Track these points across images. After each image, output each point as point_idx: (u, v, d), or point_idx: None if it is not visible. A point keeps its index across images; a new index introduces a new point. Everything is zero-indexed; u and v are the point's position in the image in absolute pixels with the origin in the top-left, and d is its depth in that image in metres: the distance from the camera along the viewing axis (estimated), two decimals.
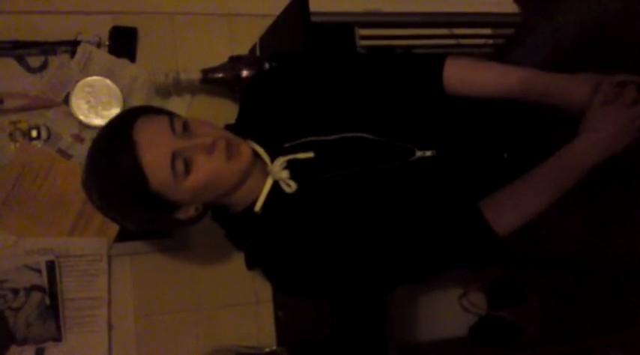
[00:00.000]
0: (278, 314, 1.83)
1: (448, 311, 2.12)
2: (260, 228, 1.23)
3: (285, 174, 1.21)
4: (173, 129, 1.10)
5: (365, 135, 1.24)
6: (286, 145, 1.25)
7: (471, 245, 1.16)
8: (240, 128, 1.29)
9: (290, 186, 1.21)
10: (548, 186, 1.14)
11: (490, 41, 1.96)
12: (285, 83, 1.35)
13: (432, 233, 1.16)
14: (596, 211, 1.28)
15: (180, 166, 1.09)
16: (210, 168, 1.12)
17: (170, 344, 1.76)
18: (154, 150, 1.08)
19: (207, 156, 1.11)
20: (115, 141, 1.09)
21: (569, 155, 1.14)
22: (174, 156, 1.08)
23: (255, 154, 1.22)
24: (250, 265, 1.82)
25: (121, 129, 1.10)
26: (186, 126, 1.12)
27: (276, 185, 1.22)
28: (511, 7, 2.10)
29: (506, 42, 1.50)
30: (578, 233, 1.30)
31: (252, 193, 1.22)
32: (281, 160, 1.22)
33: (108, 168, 1.09)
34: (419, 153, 1.24)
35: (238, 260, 1.82)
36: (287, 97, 1.31)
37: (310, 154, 1.22)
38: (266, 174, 1.23)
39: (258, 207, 1.21)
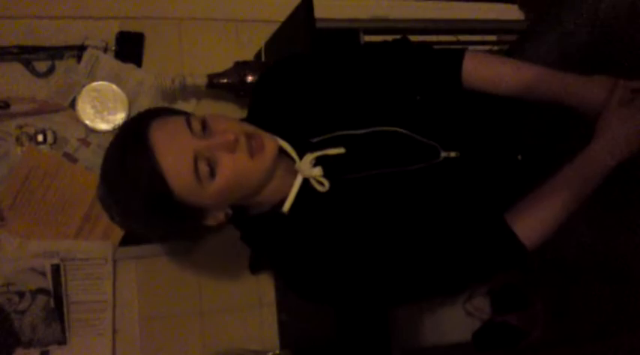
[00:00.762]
0: (282, 317, 1.83)
1: (452, 315, 2.12)
2: (285, 229, 1.16)
3: (318, 171, 1.14)
4: (191, 129, 1.02)
5: (396, 129, 1.19)
6: (314, 140, 1.18)
7: (499, 258, 1.14)
8: (255, 122, 1.17)
9: (323, 185, 1.14)
10: (572, 195, 1.13)
11: (495, 48, 1.97)
12: (305, 74, 1.28)
13: (459, 243, 1.13)
14: (601, 211, 1.27)
15: (203, 168, 1.01)
16: (236, 168, 1.04)
17: (174, 347, 1.77)
18: (174, 153, 1.00)
19: (231, 155, 1.04)
20: (130, 150, 1.01)
21: (588, 161, 1.13)
22: (196, 158, 1.01)
23: (280, 150, 1.14)
24: (254, 269, 1.82)
25: (135, 135, 1.02)
26: (204, 125, 1.04)
27: (304, 183, 1.15)
28: (517, 14, 2.10)
29: (511, 48, 1.49)
30: (581, 232, 1.28)
31: (278, 192, 1.14)
32: (310, 157, 1.15)
33: (126, 181, 1.01)
34: (444, 154, 1.21)
35: (242, 263, 1.82)
36: (309, 89, 1.25)
37: (341, 150, 1.16)
38: (293, 171, 1.16)
39: (286, 207, 1.13)
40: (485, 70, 1.25)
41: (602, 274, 1.64)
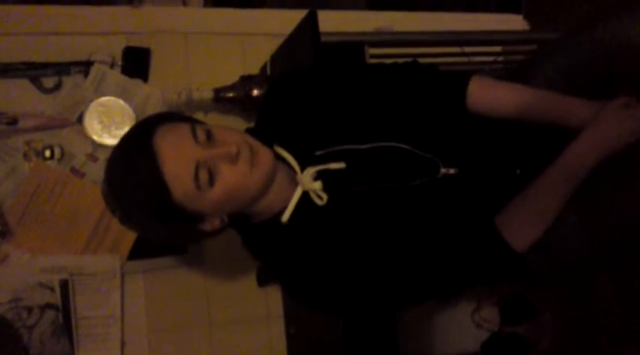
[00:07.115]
0: (290, 330, 1.83)
1: (461, 326, 2.12)
2: (284, 238, 1.18)
3: (317, 185, 1.17)
4: (195, 138, 1.05)
5: (399, 144, 1.22)
6: (318, 153, 1.21)
7: (493, 264, 1.16)
8: (262, 132, 1.22)
9: (322, 199, 1.17)
10: (558, 196, 1.15)
11: (500, 58, 1.97)
12: (313, 88, 1.30)
13: (454, 252, 1.16)
14: (587, 198, 1.26)
15: (203, 176, 1.03)
16: (235, 179, 1.07)
17: None
18: (176, 160, 1.02)
19: (231, 166, 1.06)
20: (135, 153, 1.04)
21: (572, 160, 1.15)
22: (197, 166, 1.03)
23: (283, 160, 1.18)
24: (261, 282, 1.83)
25: (140, 139, 1.04)
26: (209, 135, 1.07)
27: (304, 195, 1.18)
28: (521, 25, 2.11)
29: (519, 68, 1.49)
30: (574, 228, 1.28)
31: (278, 202, 1.17)
32: (311, 170, 1.18)
33: (127, 182, 1.04)
34: (443, 170, 1.23)
35: (250, 276, 1.83)
36: (315, 103, 1.27)
37: (342, 165, 1.19)
38: (294, 182, 1.19)
39: (285, 217, 1.16)
40: (489, 96, 1.27)
41: (606, 266, 1.63)
